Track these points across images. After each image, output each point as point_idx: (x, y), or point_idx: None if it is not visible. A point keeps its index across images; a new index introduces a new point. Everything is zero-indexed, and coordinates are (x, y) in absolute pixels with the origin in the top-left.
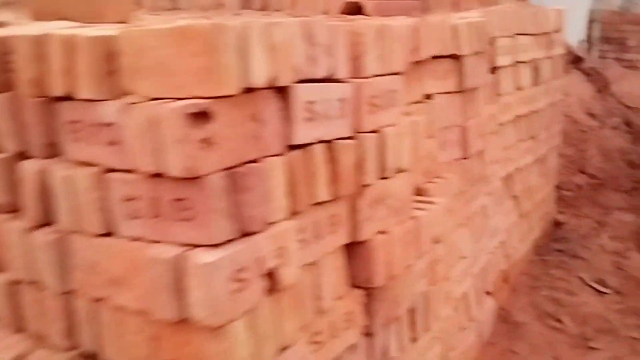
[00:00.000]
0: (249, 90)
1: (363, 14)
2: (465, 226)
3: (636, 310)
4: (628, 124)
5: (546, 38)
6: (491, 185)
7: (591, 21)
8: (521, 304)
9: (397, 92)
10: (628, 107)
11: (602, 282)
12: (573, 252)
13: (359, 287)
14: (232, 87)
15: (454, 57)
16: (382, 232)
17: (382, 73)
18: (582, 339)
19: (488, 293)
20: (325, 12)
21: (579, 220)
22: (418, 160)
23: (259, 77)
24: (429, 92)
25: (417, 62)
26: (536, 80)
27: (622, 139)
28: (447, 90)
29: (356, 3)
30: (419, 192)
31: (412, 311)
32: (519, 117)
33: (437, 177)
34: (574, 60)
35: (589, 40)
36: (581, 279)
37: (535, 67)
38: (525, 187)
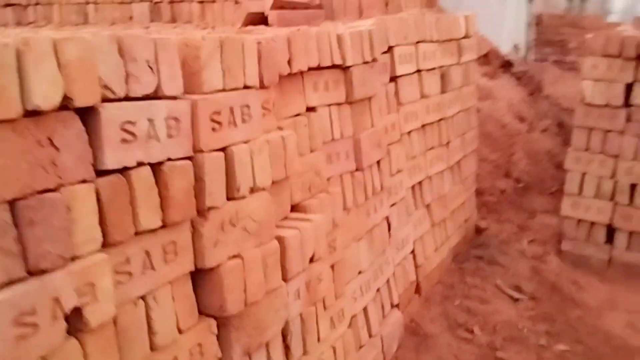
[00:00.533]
0: (34, 113)
1: (266, 25)
2: (364, 240)
3: (547, 315)
4: (560, 125)
5: (455, 44)
6: (396, 196)
7: (529, 25)
8: (433, 314)
9: (252, 108)
10: (563, 108)
11: (517, 289)
12: (491, 258)
13: (210, 316)
14: (9, 110)
15: (341, 67)
16: (236, 257)
17: (228, 88)
18: (490, 349)
19: (395, 306)
20: (234, 24)
21: (501, 225)
22: (297, 175)
23: (46, 98)
24: (312, 104)
25: (295, 74)
26: (445, 87)
27: (551, 141)
28: (333, 102)
29: (260, 14)
30: (297, 209)
31: (284, 336)
32: (426, 125)
33: (322, 192)
34: (504, 65)
35: (527, 43)
36: (497, 286)
37: (443, 74)
38: (439, 196)
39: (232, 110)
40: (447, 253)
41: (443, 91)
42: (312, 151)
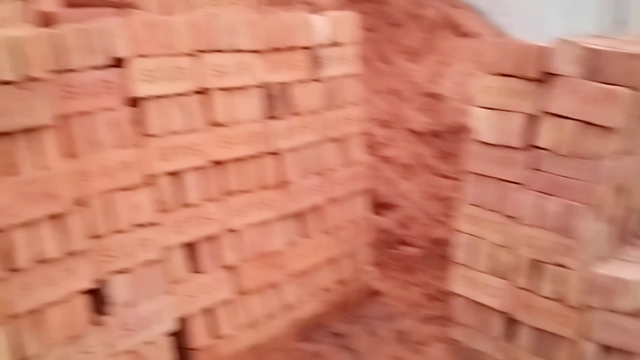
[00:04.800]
0: None
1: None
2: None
3: None
4: None
5: (303, 55)
6: (128, 259)
7: None
8: None
9: None
10: None
11: None
12: (352, 339)
13: None
14: None
15: None
16: None
17: None
18: None
19: None
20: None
21: (406, 290)
22: None
23: None
24: None
25: None
26: (274, 111)
27: None
28: None
29: (49, 12)
30: None
31: None
32: (226, 162)
33: None
34: None
35: None
36: None
37: (270, 94)
38: (258, 254)
39: None
40: (280, 329)
41: (270, 116)
42: None
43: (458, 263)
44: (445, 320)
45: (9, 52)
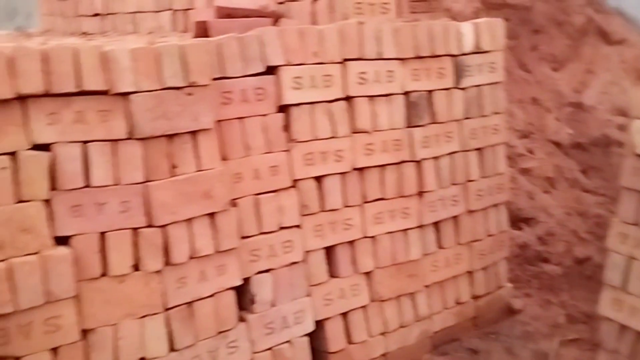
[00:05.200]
0: None
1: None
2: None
3: None
4: None
5: (446, 63)
6: (273, 260)
7: None
8: None
9: None
10: None
11: None
12: (487, 357)
13: None
14: None
15: (119, 94)
16: None
17: None
18: None
19: None
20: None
21: (545, 309)
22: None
23: None
24: (43, 140)
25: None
26: (414, 119)
27: None
28: (96, 138)
29: (205, 22)
30: None
31: None
32: (366, 169)
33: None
34: None
35: None
36: None
37: (413, 102)
38: (394, 262)
39: None
40: (412, 340)
41: (412, 124)
42: (19, 201)
43: (609, 285)
44: (590, 344)
45: (178, 60)
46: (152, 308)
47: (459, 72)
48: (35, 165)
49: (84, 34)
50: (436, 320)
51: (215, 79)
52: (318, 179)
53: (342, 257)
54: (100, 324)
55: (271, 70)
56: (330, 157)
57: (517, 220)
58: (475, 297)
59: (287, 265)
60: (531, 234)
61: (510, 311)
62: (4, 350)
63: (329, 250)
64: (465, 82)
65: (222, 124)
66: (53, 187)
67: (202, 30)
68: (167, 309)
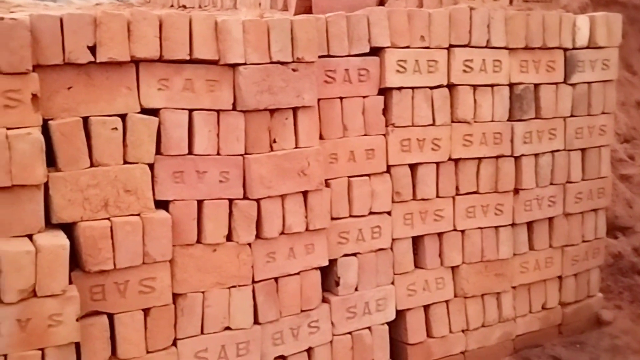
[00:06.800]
0: None
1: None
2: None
3: None
4: None
5: (556, 56)
6: (360, 245)
7: None
8: None
9: None
10: None
11: None
12: None
13: None
14: None
15: (228, 65)
16: None
17: None
18: None
19: None
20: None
21: (637, 323)
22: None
23: None
24: (152, 105)
25: (112, 64)
26: (516, 113)
27: None
28: (202, 107)
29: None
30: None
31: None
32: (461, 160)
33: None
34: None
35: None
36: None
37: (518, 95)
38: (482, 259)
39: None
40: (494, 340)
41: (514, 118)
42: (126, 162)
43: None
44: None
45: (287, 35)
46: (241, 279)
47: (570, 67)
48: (143, 128)
49: (183, 7)
50: (520, 323)
51: (320, 56)
52: (412, 166)
53: (430, 248)
54: (191, 289)
55: (375, 51)
56: (427, 145)
57: (613, 229)
58: (563, 304)
59: (374, 251)
60: (627, 243)
61: (599, 322)
62: (99, 306)
63: (417, 240)
64: (576, 78)
65: (322, 103)
66: (158, 152)
67: (304, 8)
68: (255, 282)
